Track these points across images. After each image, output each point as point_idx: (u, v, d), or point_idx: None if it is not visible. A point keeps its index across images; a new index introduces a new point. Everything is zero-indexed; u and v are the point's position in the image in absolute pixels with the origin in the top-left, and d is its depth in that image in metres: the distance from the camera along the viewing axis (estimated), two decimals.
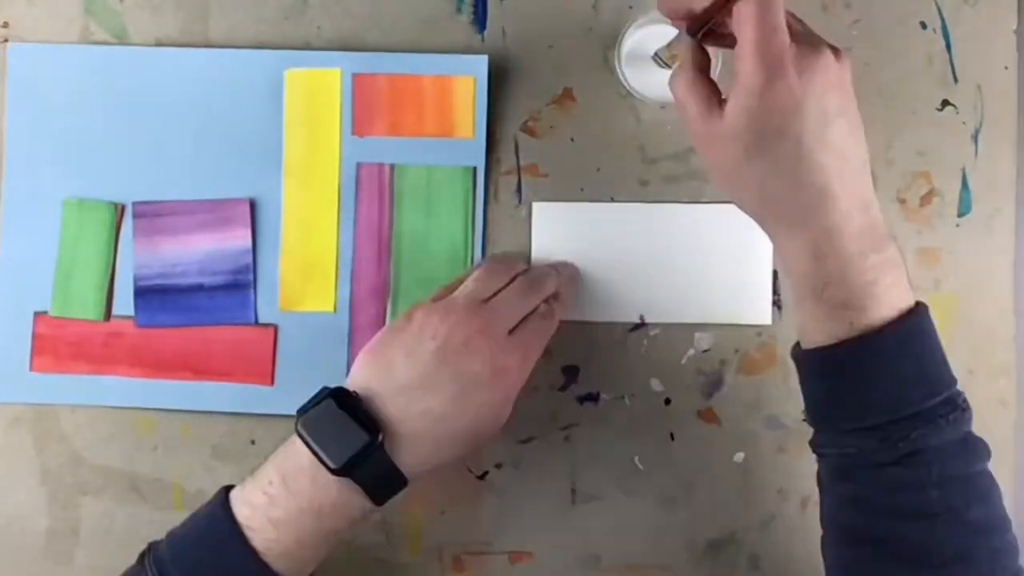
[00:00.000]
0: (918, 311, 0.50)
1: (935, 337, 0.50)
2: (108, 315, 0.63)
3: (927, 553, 0.48)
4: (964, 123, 0.64)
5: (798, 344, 0.53)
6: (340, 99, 0.63)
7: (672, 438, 0.63)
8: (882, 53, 0.64)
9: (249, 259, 0.63)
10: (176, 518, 0.62)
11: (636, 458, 0.63)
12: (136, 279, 0.63)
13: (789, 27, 0.47)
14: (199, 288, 0.63)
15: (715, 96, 0.49)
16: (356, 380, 0.54)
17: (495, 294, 0.56)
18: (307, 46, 0.63)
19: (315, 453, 0.51)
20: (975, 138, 0.64)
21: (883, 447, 0.48)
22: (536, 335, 0.57)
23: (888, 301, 0.49)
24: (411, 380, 0.53)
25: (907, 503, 0.48)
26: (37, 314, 0.63)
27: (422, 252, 0.63)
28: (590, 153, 0.63)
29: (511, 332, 0.56)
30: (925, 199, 0.64)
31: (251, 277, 0.63)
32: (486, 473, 0.63)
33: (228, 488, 0.54)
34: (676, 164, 0.63)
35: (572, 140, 0.63)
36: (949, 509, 0.48)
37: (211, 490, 0.62)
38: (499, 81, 0.63)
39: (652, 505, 0.63)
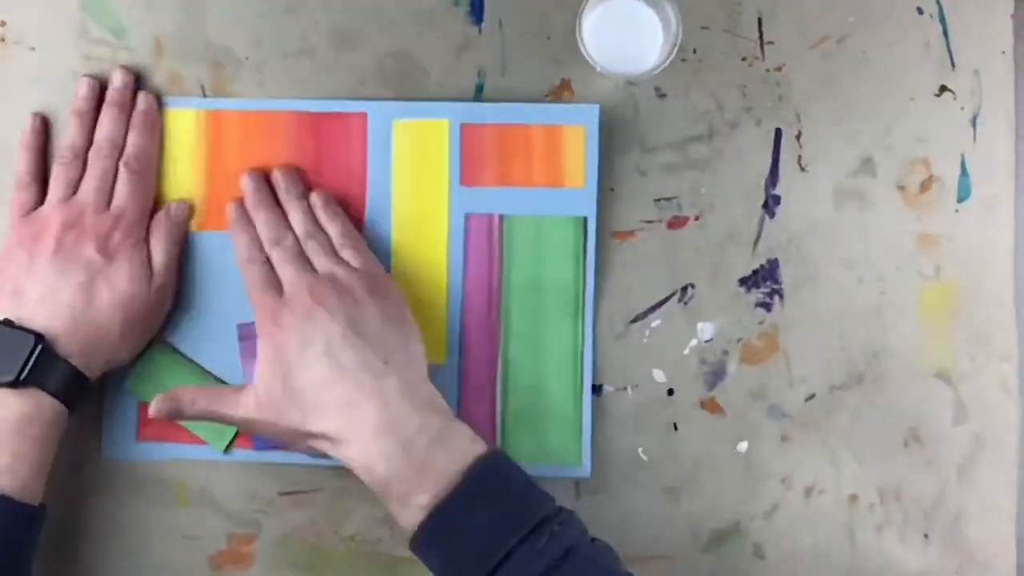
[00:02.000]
0: (483, 460, 0.52)
1: (509, 472, 0.53)
2: None
3: None
4: (962, 108, 0.64)
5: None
6: (448, 150, 0.62)
7: (675, 428, 0.63)
8: (879, 40, 0.64)
9: None
10: (179, 516, 0.62)
11: (639, 449, 0.63)
12: (241, 327, 0.62)
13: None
14: None
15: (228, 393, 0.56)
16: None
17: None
18: (304, 40, 0.63)
19: None
20: (973, 123, 0.64)
21: None
22: (134, 196, 0.60)
23: (446, 471, 0.52)
24: (42, 294, 0.57)
25: None
26: None
27: (533, 303, 0.62)
28: None
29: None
30: (924, 185, 0.64)
31: None
32: None
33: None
34: (675, 154, 0.63)
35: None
36: None
37: (214, 487, 0.62)
38: (496, 72, 0.63)
39: (656, 495, 0.63)
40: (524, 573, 0.50)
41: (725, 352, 0.63)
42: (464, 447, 0.53)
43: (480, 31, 0.63)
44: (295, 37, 0.63)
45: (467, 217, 0.62)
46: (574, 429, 0.62)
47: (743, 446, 0.63)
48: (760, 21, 0.64)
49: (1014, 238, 0.64)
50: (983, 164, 0.64)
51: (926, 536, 0.63)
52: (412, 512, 0.52)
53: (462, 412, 0.62)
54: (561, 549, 0.50)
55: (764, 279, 0.63)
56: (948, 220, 0.64)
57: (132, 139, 0.61)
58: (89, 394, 0.58)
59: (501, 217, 0.62)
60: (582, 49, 0.60)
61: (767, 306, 0.63)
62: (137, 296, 0.59)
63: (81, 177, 0.60)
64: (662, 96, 0.63)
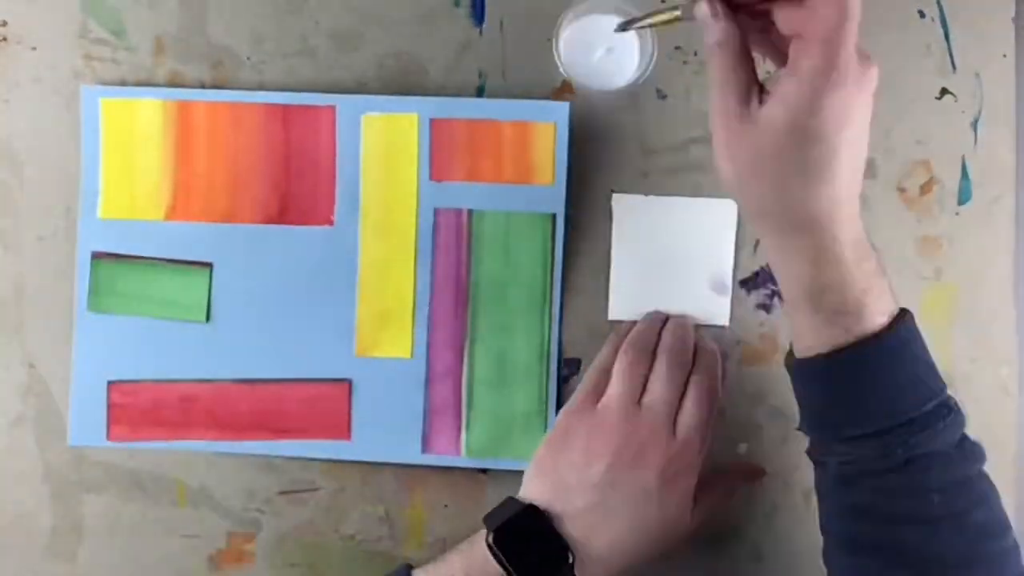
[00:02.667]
0: (906, 317, 0.50)
1: (923, 343, 0.51)
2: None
3: (931, 559, 0.48)
4: (963, 111, 0.64)
5: (791, 353, 0.53)
6: (417, 144, 0.62)
7: None
8: (880, 42, 0.63)
9: None
10: (180, 515, 0.63)
11: None
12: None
13: None
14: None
15: (755, 82, 0.47)
16: (535, 497, 0.55)
17: (644, 385, 0.57)
18: (305, 40, 0.63)
19: (507, 570, 0.52)
20: (974, 126, 0.64)
21: (883, 454, 0.49)
22: (698, 426, 0.56)
23: (880, 308, 0.49)
24: (589, 504, 0.54)
25: (909, 509, 0.49)
26: (111, 383, 0.63)
27: (500, 299, 0.62)
28: (590, 145, 0.63)
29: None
30: (925, 188, 0.64)
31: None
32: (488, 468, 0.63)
33: (409, 567, 0.55)
34: (676, 156, 0.63)
35: (572, 132, 0.63)
36: (951, 514, 0.48)
37: (214, 486, 0.63)
38: (497, 74, 0.63)
39: None
40: (918, 446, 0.48)
41: (725, 354, 0.63)
42: (891, 294, 0.50)
43: (481, 32, 0.63)
44: (295, 37, 0.63)
45: (436, 211, 0.63)
46: (539, 423, 0.62)
47: (743, 448, 0.63)
48: None
49: (1014, 241, 0.64)
50: (984, 167, 0.64)
51: None
52: (834, 331, 0.49)
53: (428, 405, 0.63)
54: (955, 437, 0.49)
55: (764, 281, 0.63)
56: (949, 223, 0.64)
57: (699, 361, 0.58)
58: None
59: (470, 212, 0.63)
60: (558, 64, 0.60)
61: (767, 308, 0.63)
62: (679, 532, 0.56)
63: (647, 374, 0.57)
64: (663, 98, 0.63)
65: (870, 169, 0.63)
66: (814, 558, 0.63)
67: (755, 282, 0.63)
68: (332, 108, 0.62)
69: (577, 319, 0.63)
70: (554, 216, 0.63)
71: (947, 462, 0.49)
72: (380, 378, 0.62)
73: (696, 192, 0.63)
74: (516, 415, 0.63)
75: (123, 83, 0.63)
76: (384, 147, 0.63)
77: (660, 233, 0.63)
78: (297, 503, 0.63)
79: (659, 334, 0.59)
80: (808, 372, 0.51)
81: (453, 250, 0.63)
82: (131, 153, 0.63)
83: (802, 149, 0.46)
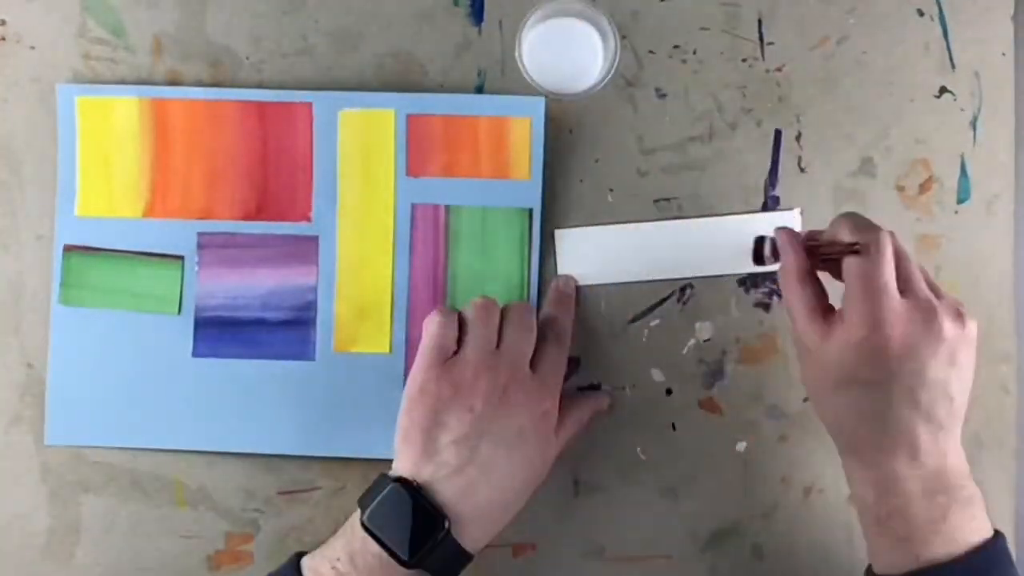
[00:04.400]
0: (991, 545, 0.50)
1: (1011, 568, 0.51)
2: None
3: None
4: (962, 110, 0.64)
5: (870, 568, 0.54)
6: (394, 140, 0.62)
7: (674, 428, 0.63)
8: (879, 40, 0.64)
9: (313, 296, 0.62)
10: (178, 515, 0.62)
11: (638, 449, 0.63)
12: (197, 309, 0.62)
13: (909, 282, 0.52)
14: (260, 323, 0.62)
15: (820, 305, 0.54)
16: (405, 468, 0.54)
17: (500, 337, 0.57)
18: (304, 40, 0.63)
19: (385, 547, 0.52)
20: (973, 125, 0.64)
21: None
22: (556, 365, 0.57)
23: (957, 537, 0.50)
24: (463, 460, 0.53)
25: None
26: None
27: (478, 294, 0.62)
28: (588, 144, 0.63)
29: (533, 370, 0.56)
30: (924, 186, 0.64)
31: (313, 314, 0.62)
32: None
33: (300, 554, 0.55)
34: (674, 154, 0.63)
35: (570, 132, 0.63)
36: None
37: (212, 486, 0.63)
38: (496, 72, 0.63)
39: (655, 495, 0.63)
40: None
41: (724, 352, 0.63)
42: (982, 520, 0.51)
43: (480, 31, 0.63)
44: (295, 37, 0.63)
45: (413, 207, 0.63)
46: None
47: (742, 446, 0.63)
48: (760, 22, 0.64)
49: (1013, 239, 0.64)
50: (983, 165, 0.64)
51: None
52: (900, 556, 0.50)
53: None
54: None
55: (763, 279, 0.63)
56: (948, 221, 0.64)
57: (546, 309, 0.60)
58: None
59: (447, 207, 0.63)
60: (522, 69, 0.60)
61: (766, 306, 0.63)
62: (544, 473, 0.56)
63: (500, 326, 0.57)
64: (662, 97, 0.63)
65: (869, 168, 0.63)
66: (814, 555, 0.63)
67: (753, 281, 0.63)
68: (309, 105, 0.62)
69: None
70: (531, 211, 0.63)
71: None
72: (359, 373, 0.62)
73: (695, 191, 0.63)
74: None
75: (122, 83, 0.63)
76: (361, 143, 0.63)
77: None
78: (295, 503, 0.63)
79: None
80: None
81: (431, 245, 0.63)
82: (108, 151, 0.63)
83: (854, 392, 0.51)
